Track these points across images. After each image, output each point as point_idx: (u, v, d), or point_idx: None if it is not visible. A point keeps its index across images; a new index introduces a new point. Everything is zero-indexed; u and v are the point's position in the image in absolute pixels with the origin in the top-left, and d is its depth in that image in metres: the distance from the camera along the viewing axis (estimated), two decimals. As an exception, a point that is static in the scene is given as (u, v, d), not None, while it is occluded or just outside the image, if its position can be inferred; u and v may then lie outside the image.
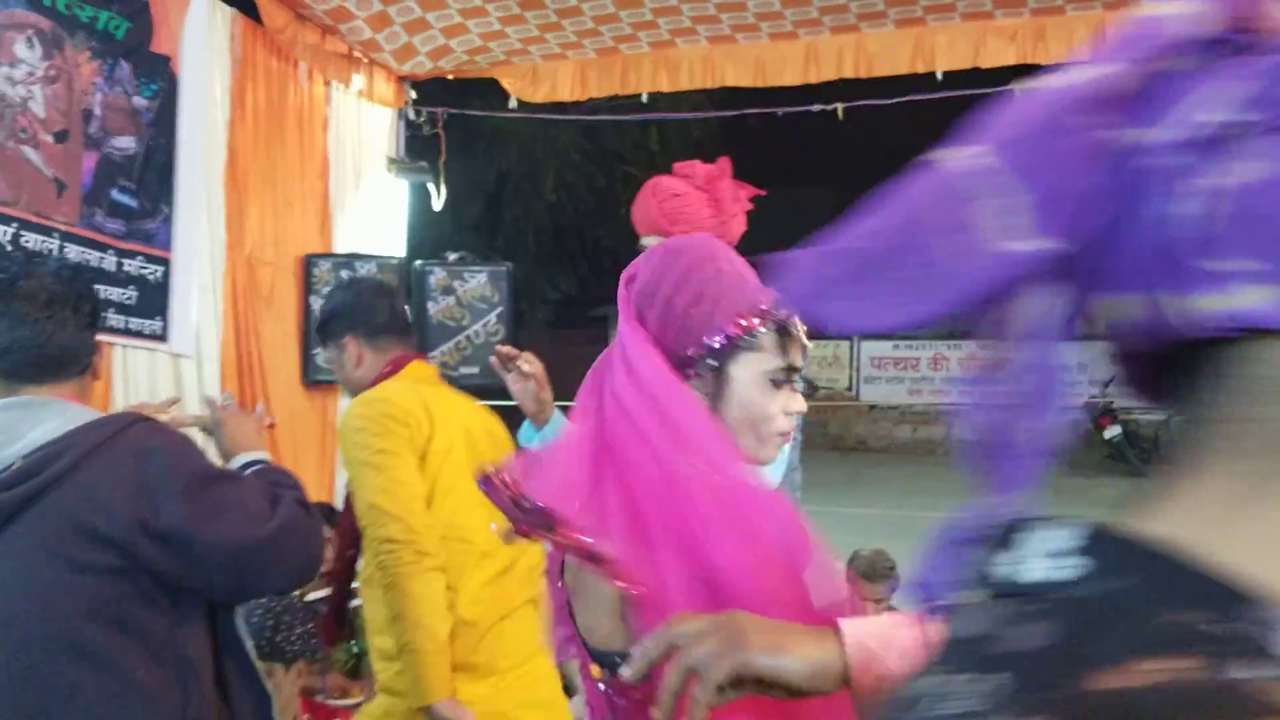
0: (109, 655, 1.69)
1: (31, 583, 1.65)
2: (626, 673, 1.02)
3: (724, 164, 2.59)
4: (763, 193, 2.64)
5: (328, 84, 5.88)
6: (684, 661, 0.98)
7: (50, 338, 1.76)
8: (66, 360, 1.83)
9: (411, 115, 6.51)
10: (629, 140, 17.61)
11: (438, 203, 6.59)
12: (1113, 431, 14.98)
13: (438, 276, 5.84)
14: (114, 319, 4.61)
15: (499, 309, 5.89)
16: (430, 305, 5.82)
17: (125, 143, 4.67)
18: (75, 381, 1.87)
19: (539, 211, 16.90)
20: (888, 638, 1.04)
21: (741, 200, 2.56)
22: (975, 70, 5.34)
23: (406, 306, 5.03)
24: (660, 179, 2.62)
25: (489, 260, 6.25)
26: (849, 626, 1.05)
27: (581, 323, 21.80)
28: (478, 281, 5.86)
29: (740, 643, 0.99)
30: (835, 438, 15.89)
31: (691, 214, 2.49)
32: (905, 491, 11.40)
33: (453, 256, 6.01)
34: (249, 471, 2.04)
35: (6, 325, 1.71)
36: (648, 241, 2.54)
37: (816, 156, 22.37)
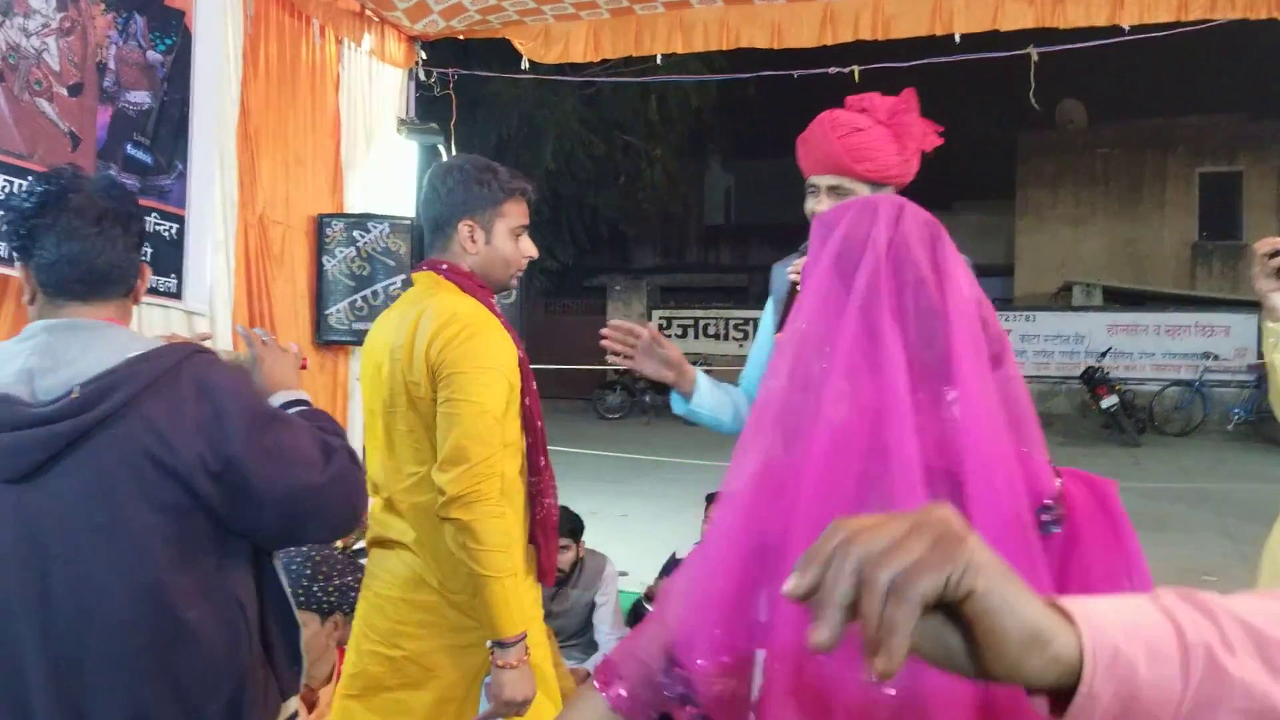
0: (165, 593, 1.67)
1: (94, 515, 1.62)
2: (789, 584, 0.72)
3: (909, 96, 2.40)
4: (941, 128, 2.45)
5: (339, 42, 5.82)
6: (879, 565, 0.70)
7: (100, 254, 1.71)
8: (114, 279, 1.78)
9: (421, 76, 6.46)
10: (628, 108, 17.55)
11: (447, 164, 6.53)
12: (1109, 401, 15.04)
13: (450, 237, 5.81)
14: (129, 275, 4.58)
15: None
16: (442, 266, 5.79)
17: (140, 97, 4.62)
18: (119, 302, 1.82)
19: (537, 179, 16.87)
20: (1132, 628, 0.75)
21: (931, 138, 2.41)
22: (994, 33, 5.30)
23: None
24: (835, 112, 2.43)
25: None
26: (1081, 606, 0.75)
27: (578, 292, 21.80)
28: (490, 243, 5.83)
29: (959, 553, 0.71)
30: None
31: (877, 151, 2.33)
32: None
33: (465, 218, 5.97)
34: (293, 412, 2.01)
35: (55, 239, 1.65)
36: (824, 181, 2.40)
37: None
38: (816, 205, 2.42)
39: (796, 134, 2.47)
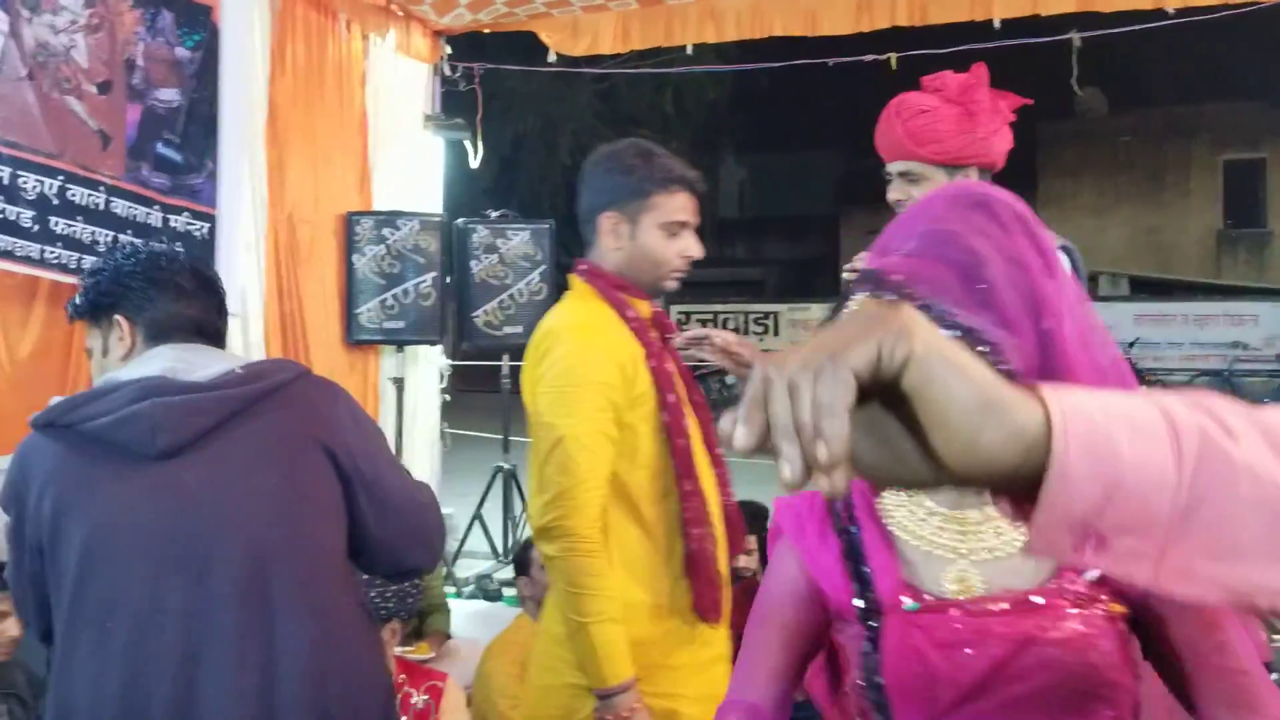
0: (337, 559, 1.72)
1: (266, 477, 1.64)
2: (738, 441, 0.61)
3: (980, 71, 2.31)
4: (1028, 102, 2.34)
5: (365, 38, 5.74)
6: (805, 365, 0.60)
7: (204, 313, 1.81)
8: (218, 334, 1.87)
9: (447, 71, 6.37)
10: (644, 102, 17.46)
11: (474, 161, 6.47)
12: (1136, 393, 14.86)
13: (480, 234, 5.73)
14: (161, 276, 4.51)
15: (542, 267, 5.79)
16: (473, 264, 5.71)
17: (168, 95, 4.54)
18: None
19: (554, 174, 16.75)
20: (1111, 406, 0.63)
21: (1003, 113, 2.30)
22: (1035, 19, 5.19)
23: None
24: (905, 95, 2.35)
25: (531, 218, 6.13)
26: (1046, 386, 0.64)
27: (595, 288, 21.68)
28: (520, 239, 5.75)
29: (891, 320, 0.61)
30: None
31: (942, 132, 2.25)
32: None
33: (494, 214, 5.89)
34: None
35: (169, 298, 1.74)
36: (894, 168, 2.34)
37: (826, 114, 22.18)
38: (890, 192, 2.38)
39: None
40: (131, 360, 1.70)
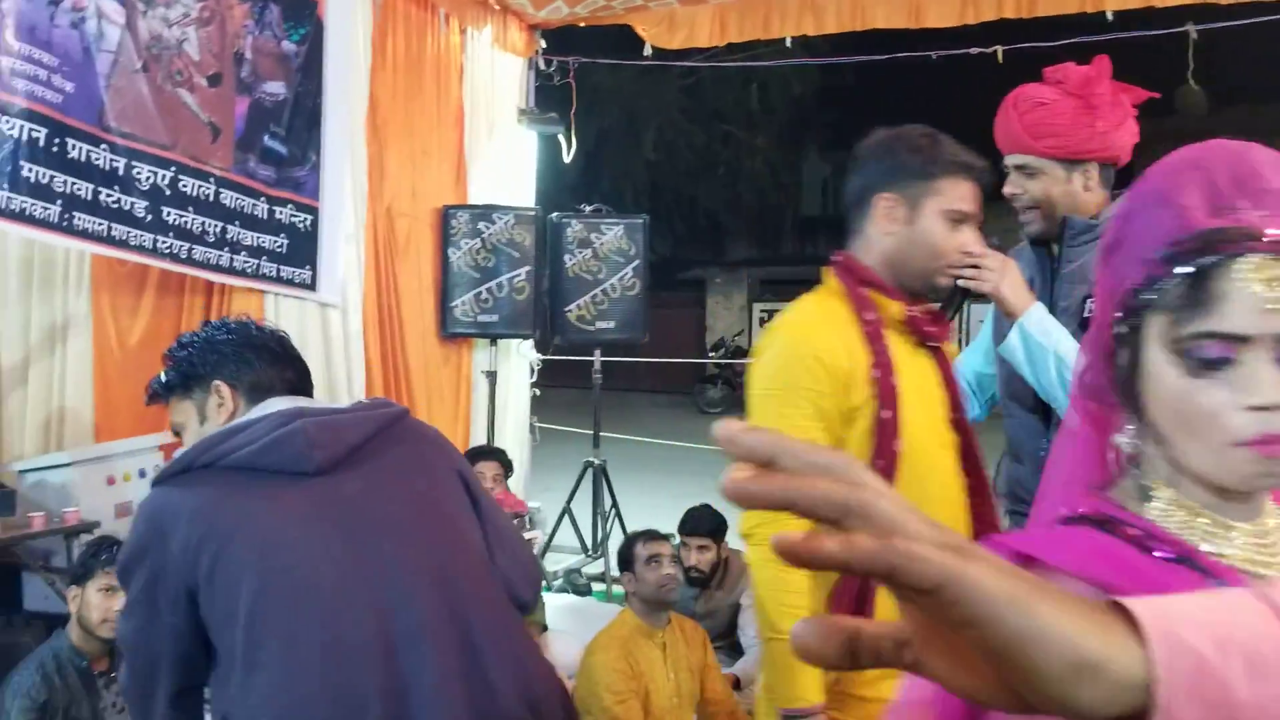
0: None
1: (415, 482, 1.68)
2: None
3: (1102, 64, 2.23)
4: (1155, 95, 2.29)
5: (463, 32, 5.77)
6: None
7: (300, 378, 1.85)
8: (305, 393, 1.90)
9: (541, 65, 6.38)
10: (729, 97, 17.36)
11: (567, 155, 6.47)
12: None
13: (574, 229, 5.72)
14: (266, 266, 4.57)
15: (635, 262, 5.76)
16: (567, 258, 5.70)
17: (275, 88, 4.60)
18: None
19: (638, 169, 16.74)
20: (1225, 632, 0.55)
21: (1125, 106, 2.24)
22: (1147, 10, 5.02)
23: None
24: (1024, 88, 2.29)
25: (625, 212, 6.10)
26: (1147, 605, 0.55)
27: (675, 285, 21.64)
28: (614, 234, 5.73)
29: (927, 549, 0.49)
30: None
31: (1060, 125, 2.19)
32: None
33: (588, 209, 5.87)
34: None
35: (266, 361, 1.79)
36: (1011, 161, 2.28)
37: (912, 111, 21.84)
38: (1007, 187, 2.31)
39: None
40: (238, 419, 1.71)
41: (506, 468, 4.35)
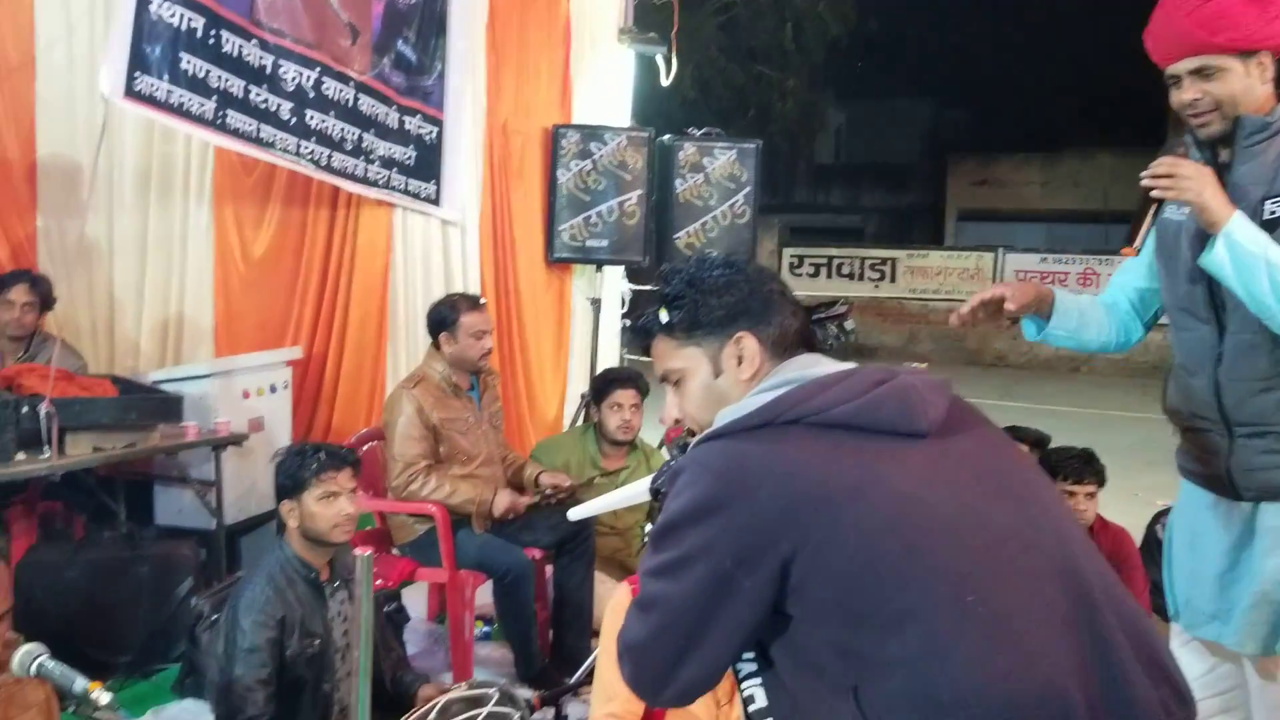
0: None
1: (1004, 450, 1.49)
2: None
3: None
4: None
5: (571, -55, 5.55)
6: None
7: (806, 326, 1.59)
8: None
9: (641, -16, 6.17)
10: (764, 36, 17.04)
11: (666, 78, 6.28)
12: None
13: (686, 152, 5.54)
14: (396, 179, 4.41)
15: (746, 189, 5.58)
16: (677, 183, 5.52)
17: (407, -9, 4.40)
18: None
19: (673, 109, 16.43)
20: None
21: None
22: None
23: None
24: None
25: (738, 136, 5.90)
26: None
27: (696, 228, 21.43)
28: (727, 159, 5.55)
29: None
30: (973, 352, 15.44)
31: (1236, 15, 2.03)
32: (1056, 406, 10.98)
33: (699, 132, 5.68)
34: None
35: (788, 311, 1.52)
36: (1183, 67, 2.08)
37: (930, 61, 21.55)
38: (1181, 95, 2.14)
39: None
40: (763, 379, 1.46)
41: (644, 393, 4.19)
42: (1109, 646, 1.27)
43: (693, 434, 1.65)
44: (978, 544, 1.28)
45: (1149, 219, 2.08)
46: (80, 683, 1.62)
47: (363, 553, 1.36)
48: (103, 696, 1.61)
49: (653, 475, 2.46)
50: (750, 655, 1.38)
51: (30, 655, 1.69)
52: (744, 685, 1.39)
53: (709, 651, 1.34)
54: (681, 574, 1.32)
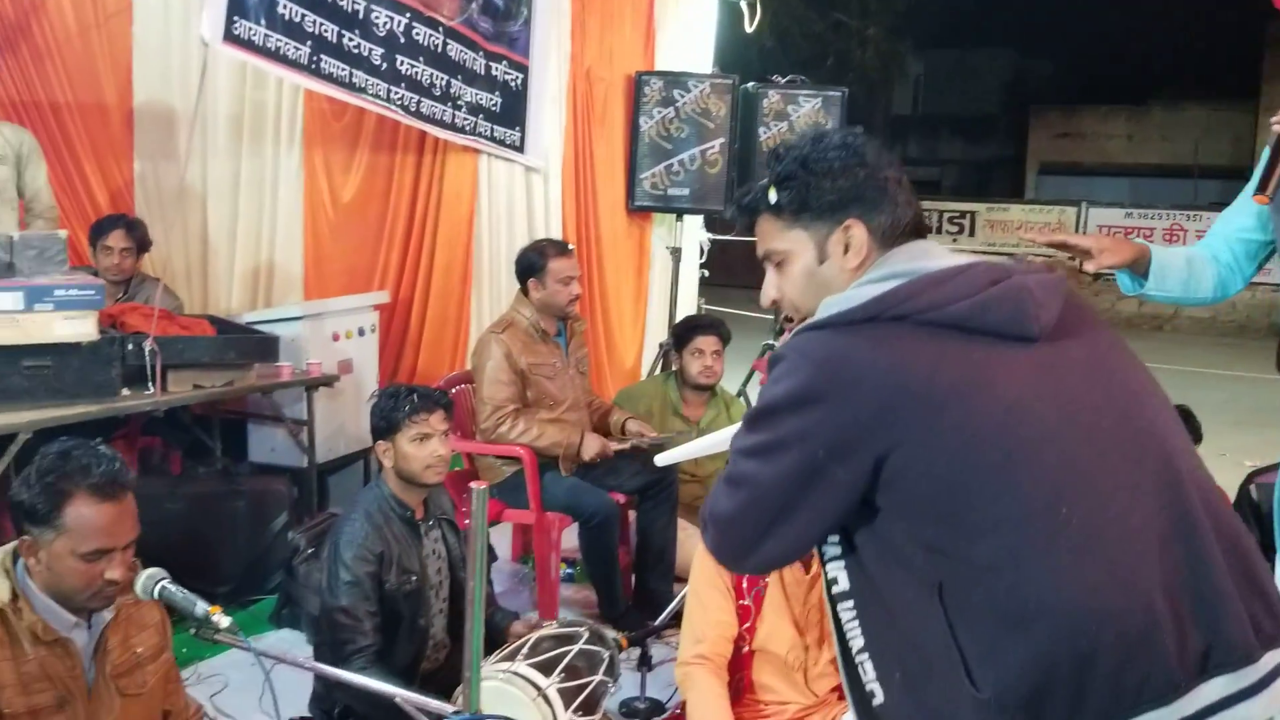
0: None
1: (1122, 352, 1.44)
2: None
3: None
4: None
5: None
6: None
7: (919, 215, 1.51)
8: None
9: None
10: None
11: (750, 24, 6.19)
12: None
13: (770, 100, 5.47)
14: (482, 125, 4.42)
15: (831, 138, 5.50)
16: (760, 131, 5.46)
17: (494, -67, 4.39)
18: None
19: (750, 58, 16.23)
20: None
21: None
22: None
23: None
24: None
25: (822, 84, 5.82)
26: None
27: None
28: (811, 107, 5.47)
29: None
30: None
31: None
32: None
33: (783, 79, 5.61)
34: None
35: (903, 199, 1.44)
36: None
37: (1012, 13, 20.93)
38: None
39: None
40: (869, 269, 1.41)
41: (726, 340, 4.18)
42: (1203, 563, 1.25)
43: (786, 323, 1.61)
44: (1079, 455, 1.26)
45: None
46: (201, 606, 1.69)
47: (479, 486, 1.38)
48: (222, 620, 1.68)
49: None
50: (836, 539, 1.38)
51: (153, 579, 1.77)
52: (828, 567, 1.39)
53: (792, 532, 1.34)
54: (773, 458, 1.32)
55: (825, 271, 1.44)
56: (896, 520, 1.29)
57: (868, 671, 1.33)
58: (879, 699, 1.31)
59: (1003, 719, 1.20)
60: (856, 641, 1.35)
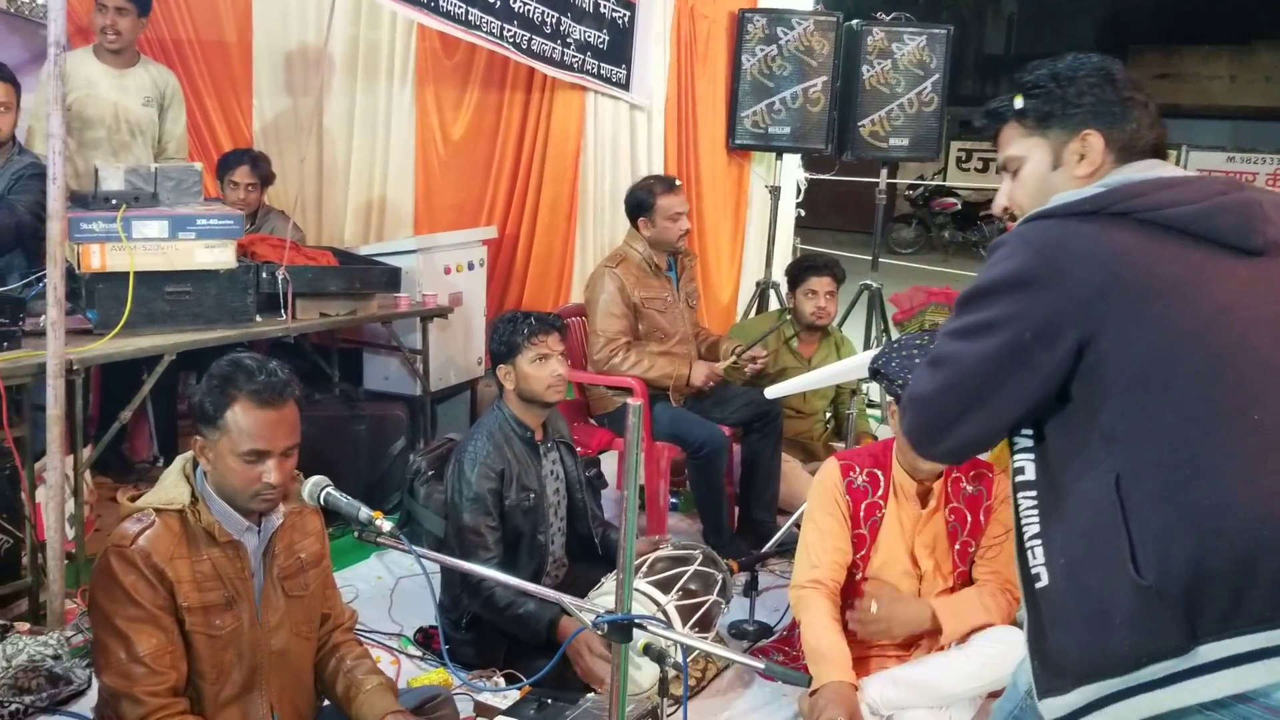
0: None
1: None
2: None
3: None
4: None
5: None
6: None
7: (1157, 133, 1.55)
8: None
9: None
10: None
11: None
12: None
13: (874, 38, 5.40)
14: (589, 63, 4.47)
15: (935, 76, 5.43)
16: (864, 69, 5.41)
17: None
18: None
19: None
20: None
21: None
22: None
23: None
24: None
25: (928, 21, 5.73)
26: None
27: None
28: (916, 45, 5.40)
29: None
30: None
31: None
32: None
33: (888, 16, 5.53)
34: None
35: (1137, 115, 1.49)
36: None
37: None
38: None
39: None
40: (1100, 179, 1.46)
41: (839, 280, 4.20)
42: None
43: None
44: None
45: None
46: (365, 511, 1.80)
47: (635, 402, 1.46)
48: (385, 524, 1.79)
49: (873, 354, 2.49)
50: (1029, 431, 1.44)
51: (318, 485, 1.89)
52: (1016, 457, 1.45)
53: (989, 415, 1.41)
54: (979, 338, 1.39)
55: (1056, 178, 1.51)
56: (1087, 411, 1.35)
57: (1036, 556, 1.39)
58: (1043, 582, 1.38)
59: (1161, 605, 1.25)
60: (1031, 529, 1.41)
